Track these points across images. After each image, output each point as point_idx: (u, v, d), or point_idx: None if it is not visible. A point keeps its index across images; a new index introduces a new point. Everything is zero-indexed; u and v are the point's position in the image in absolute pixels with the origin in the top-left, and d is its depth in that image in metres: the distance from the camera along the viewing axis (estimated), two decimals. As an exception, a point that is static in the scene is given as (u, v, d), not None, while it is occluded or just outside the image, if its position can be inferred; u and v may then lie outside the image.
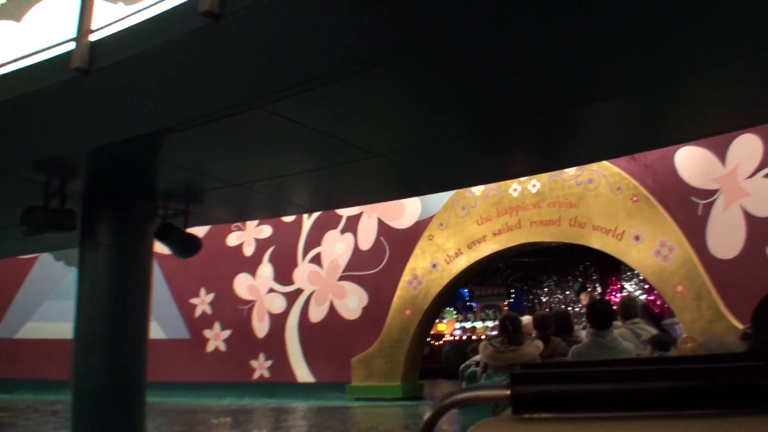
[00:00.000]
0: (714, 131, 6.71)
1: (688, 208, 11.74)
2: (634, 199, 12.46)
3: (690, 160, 11.71)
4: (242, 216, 9.35)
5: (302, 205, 8.01)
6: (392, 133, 5.13)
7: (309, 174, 6.11)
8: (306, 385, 15.98)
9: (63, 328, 11.22)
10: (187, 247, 7.33)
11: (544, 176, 13.56)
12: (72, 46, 4.39)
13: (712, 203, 11.38)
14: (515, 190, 14.02)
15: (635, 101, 4.65)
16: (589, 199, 13.04)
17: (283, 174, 6.08)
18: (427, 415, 1.50)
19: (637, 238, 12.33)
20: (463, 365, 9.63)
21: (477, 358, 8.25)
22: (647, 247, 12.19)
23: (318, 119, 4.66)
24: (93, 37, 4.35)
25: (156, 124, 4.75)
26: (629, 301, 7.62)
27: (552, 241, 14.39)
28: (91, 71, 4.29)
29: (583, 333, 7.21)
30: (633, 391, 1.28)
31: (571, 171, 13.24)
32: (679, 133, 5.90)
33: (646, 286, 20.04)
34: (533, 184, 13.81)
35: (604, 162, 12.79)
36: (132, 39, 4.12)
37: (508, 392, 1.33)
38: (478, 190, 14.51)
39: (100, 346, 6.09)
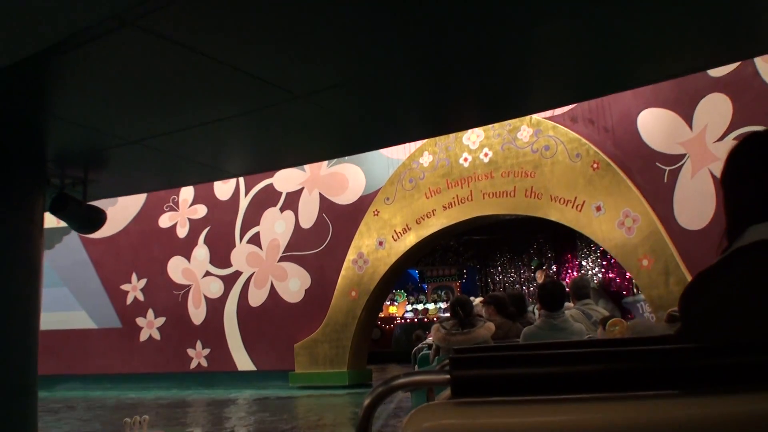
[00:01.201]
0: (678, 71, 5.67)
1: (653, 175, 11.01)
2: (595, 166, 11.70)
3: (654, 123, 10.97)
4: (159, 184, 8.05)
5: (227, 170, 7.04)
6: (306, 65, 4.14)
7: (225, 124, 5.09)
8: (247, 374, 15.38)
9: None
10: (87, 220, 6.54)
11: (497, 144, 12.83)
12: None
13: (679, 169, 10.62)
14: (465, 159, 13.21)
15: (585, 27, 3.93)
16: (546, 168, 12.29)
17: (193, 124, 5.04)
18: (366, 401, 1.48)
19: (598, 208, 11.59)
20: (415, 348, 9.51)
21: (430, 340, 8.25)
22: (609, 219, 11.46)
23: (208, 42, 3.69)
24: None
25: (16, 52, 3.70)
26: (581, 282, 7.64)
27: (507, 214, 13.56)
28: None
29: (536, 313, 7.37)
30: (569, 374, 1.29)
31: (525, 138, 12.50)
32: (636, 72, 5.04)
33: (605, 263, 19.39)
34: (485, 153, 13.00)
35: (561, 127, 12.10)
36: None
37: (448, 376, 1.34)
38: (425, 161, 13.81)
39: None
